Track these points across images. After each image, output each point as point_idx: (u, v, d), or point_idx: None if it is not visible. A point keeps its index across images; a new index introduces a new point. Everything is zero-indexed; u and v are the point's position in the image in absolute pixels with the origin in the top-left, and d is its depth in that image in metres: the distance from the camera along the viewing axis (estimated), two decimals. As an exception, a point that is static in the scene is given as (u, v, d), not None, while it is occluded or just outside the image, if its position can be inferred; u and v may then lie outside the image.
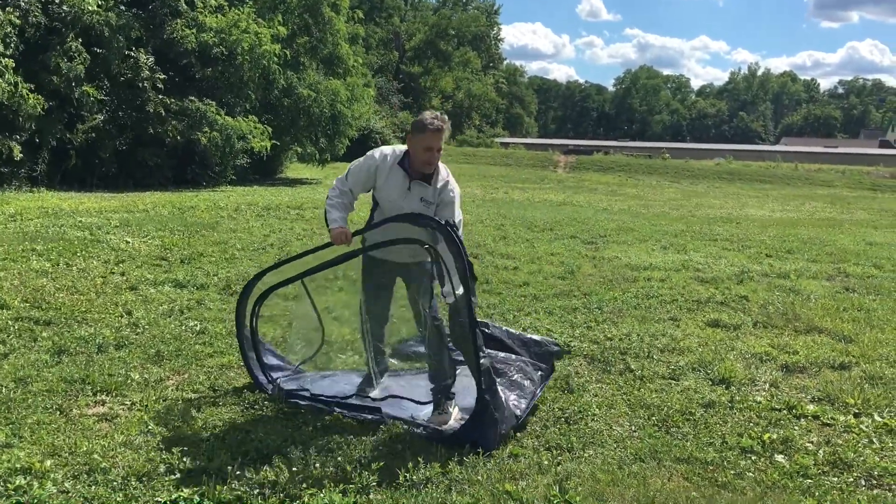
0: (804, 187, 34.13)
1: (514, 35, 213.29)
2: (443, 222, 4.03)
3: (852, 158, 53.99)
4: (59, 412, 4.08)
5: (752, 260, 10.08)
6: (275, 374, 4.64)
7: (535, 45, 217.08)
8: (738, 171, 39.07)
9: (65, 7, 16.51)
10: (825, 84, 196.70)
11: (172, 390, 4.48)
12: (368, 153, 4.35)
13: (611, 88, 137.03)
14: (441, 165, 4.26)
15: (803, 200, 25.94)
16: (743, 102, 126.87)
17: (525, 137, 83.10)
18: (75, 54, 16.52)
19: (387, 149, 4.34)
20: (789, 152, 56.87)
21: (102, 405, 4.23)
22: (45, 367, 4.71)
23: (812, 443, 4.06)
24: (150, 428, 3.90)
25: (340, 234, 4.18)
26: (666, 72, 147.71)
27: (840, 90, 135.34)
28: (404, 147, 4.28)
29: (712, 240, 12.07)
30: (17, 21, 15.20)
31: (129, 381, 4.55)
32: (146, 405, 4.22)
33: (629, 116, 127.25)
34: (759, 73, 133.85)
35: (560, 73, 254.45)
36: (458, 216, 4.29)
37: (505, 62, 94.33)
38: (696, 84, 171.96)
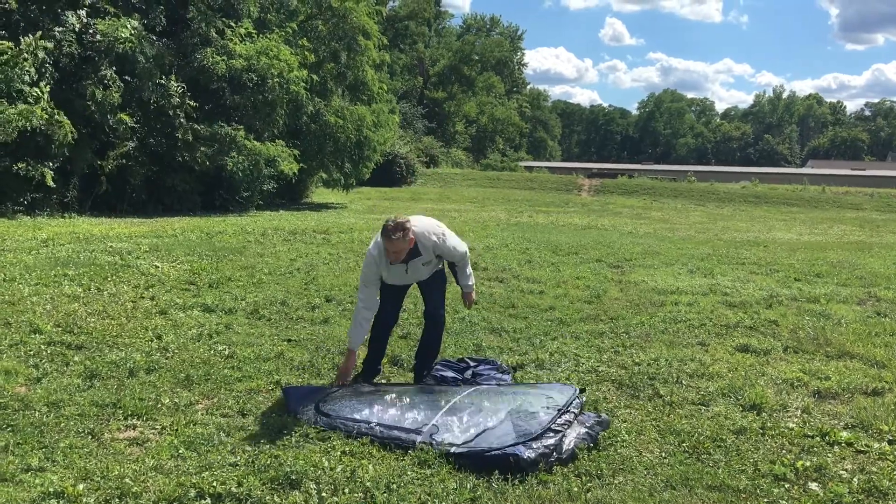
0: (832, 210, 33.79)
1: (538, 60, 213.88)
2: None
3: (881, 181, 53.44)
4: (90, 436, 4.12)
5: (781, 284, 9.98)
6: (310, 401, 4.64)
7: (558, 70, 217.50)
8: (765, 193, 38.77)
9: (98, 37, 16.84)
10: (851, 107, 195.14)
11: (202, 414, 4.51)
12: (367, 255, 5.12)
13: (634, 112, 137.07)
14: (420, 235, 5.00)
15: (831, 223, 25.66)
16: (768, 125, 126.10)
17: (549, 161, 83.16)
18: (110, 83, 16.85)
19: (374, 248, 5.07)
20: (816, 175, 56.33)
21: (133, 429, 4.27)
22: (77, 391, 4.77)
23: (846, 470, 3.99)
24: (180, 452, 3.92)
25: (347, 372, 5.15)
26: (690, 95, 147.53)
27: (867, 112, 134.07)
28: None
29: (740, 263, 11.97)
30: (51, 47, 15.52)
31: (159, 406, 4.59)
32: (176, 429, 4.25)
33: (653, 140, 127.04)
34: (785, 95, 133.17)
35: (583, 97, 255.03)
36: (461, 248, 5.29)
37: (528, 87, 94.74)
38: (720, 107, 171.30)
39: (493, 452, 3.92)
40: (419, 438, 4.13)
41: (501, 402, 4.53)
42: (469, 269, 5.45)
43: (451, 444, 4.04)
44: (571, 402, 4.41)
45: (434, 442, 4.08)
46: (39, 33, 15.34)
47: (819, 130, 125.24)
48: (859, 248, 15.77)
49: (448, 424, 4.27)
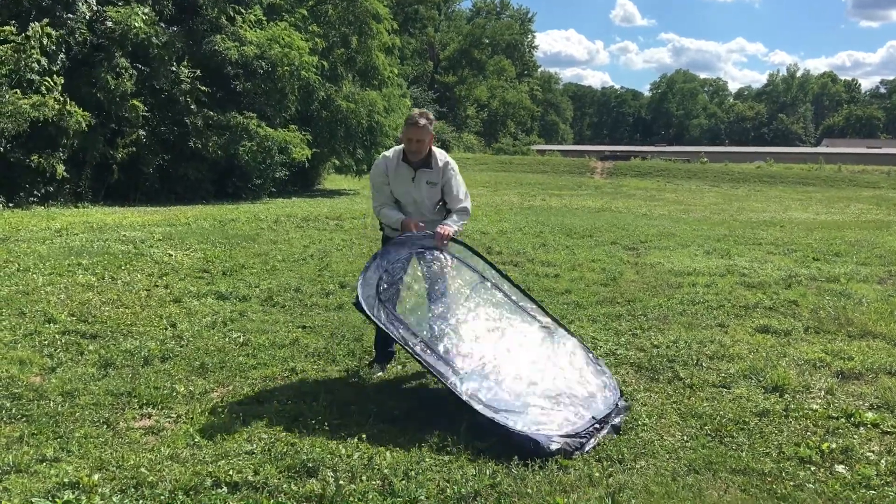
0: (848, 189, 33.46)
1: (548, 42, 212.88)
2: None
3: (897, 159, 52.85)
4: (105, 426, 4.09)
5: (799, 264, 9.85)
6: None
7: (569, 52, 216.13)
8: (780, 173, 38.44)
9: (109, 23, 16.79)
10: (866, 84, 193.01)
11: (217, 402, 4.47)
12: (371, 175, 5.15)
13: (647, 93, 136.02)
14: (437, 150, 5.00)
15: (848, 202, 25.40)
16: (782, 104, 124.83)
17: (561, 144, 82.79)
18: (123, 71, 16.82)
19: (388, 151, 5.09)
20: (831, 154, 55.82)
21: (149, 418, 4.24)
22: (91, 380, 4.74)
23: (873, 452, 3.91)
24: (196, 441, 3.89)
25: (410, 222, 4.89)
26: (703, 75, 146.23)
27: (882, 90, 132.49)
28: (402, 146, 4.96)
29: (756, 244, 11.84)
30: (56, 35, 15.46)
31: (174, 394, 4.56)
32: (192, 418, 4.22)
33: (666, 121, 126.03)
34: (799, 74, 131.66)
35: (595, 79, 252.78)
36: (463, 189, 5.18)
37: (539, 69, 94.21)
38: (733, 87, 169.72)
39: (518, 432, 3.89)
40: (451, 380, 4.20)
41: (552, 367, 4.51)
42: (462, 223, 5.13)
43: (478, 400, 4.08)
44: (612, 413, 4.25)
45: (461, 390, 4.13)
46: (46, 20, 15.29)
47: (834, 109, 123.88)
48: (877, 226, 15.59)
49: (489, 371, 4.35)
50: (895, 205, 24.44)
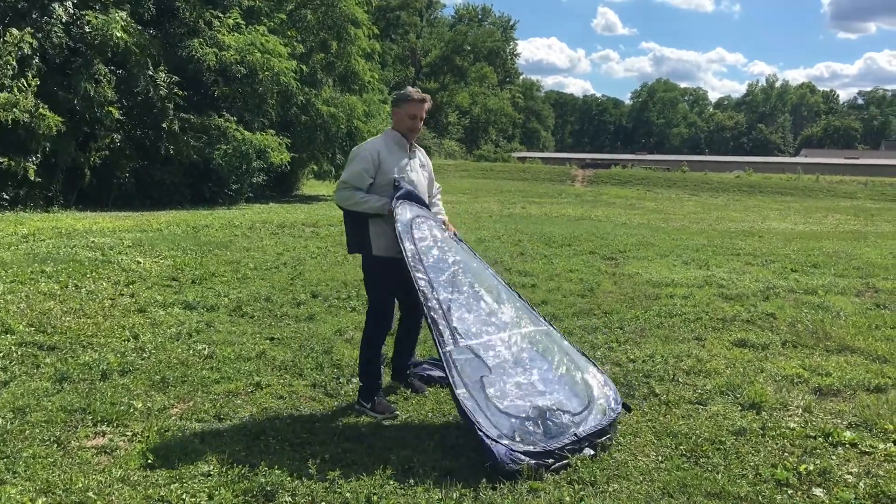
0: (826, 199, 33.66)
1: (530, 50, 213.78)
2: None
3: (874, 170, 53.36)
4: (56, 445, 3.90)
5: (777, 275, 9.79)
6: None
7: (551, 60, 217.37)
8: (759, 183, 38.63)
9: (87, 28, 16.48)
10: (844, 95, 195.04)
11: (176, 420, 4.29)
12: (357, 153, 4.64)
13: (628, 102, 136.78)
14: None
15: (826, 213, 25.53)
16: (761, 114, 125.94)
17: (542, 152, 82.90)
18: (101, 77, 16.53)
19: (370, 140, 4.76)
20: (810, 164, 56.24)
21: (102, 436, 4.05)
22: (45, 395, 4.55)
23: (851, 474, 3.80)
24: (150, 461, 3.71)
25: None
26: (683, 84, 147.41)
27: (860, 101, 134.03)
28: (386, 130, 4.81)
29: (735, 254, 11.79)
30: (35, 44, 15.18)
31: (131, 410, 4.37)
32: (147, 436, 4.03)
33: (647, 130, 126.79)
34: (778, 84, 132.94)
35: (576, 87, 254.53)
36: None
37: (521, 77, 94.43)
38: (713, 97, 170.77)
39: (480, 434, 3.74)
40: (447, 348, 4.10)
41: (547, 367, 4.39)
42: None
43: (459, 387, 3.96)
44: (600, 430, 4.06)
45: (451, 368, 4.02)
46: (28, 29, 15.03)
47: (812, 119, 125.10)
48: (855, 237, 15.61)
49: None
50: (872, 216, 24.59)
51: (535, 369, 4.30)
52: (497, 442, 3.71)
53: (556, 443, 3.83)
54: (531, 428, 3.89)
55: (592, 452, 3.90)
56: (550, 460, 3.75)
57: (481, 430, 3.75)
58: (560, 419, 3.99)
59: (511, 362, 4.26)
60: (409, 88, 4.75)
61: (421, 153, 4.92)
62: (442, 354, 4.06)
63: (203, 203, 19.33)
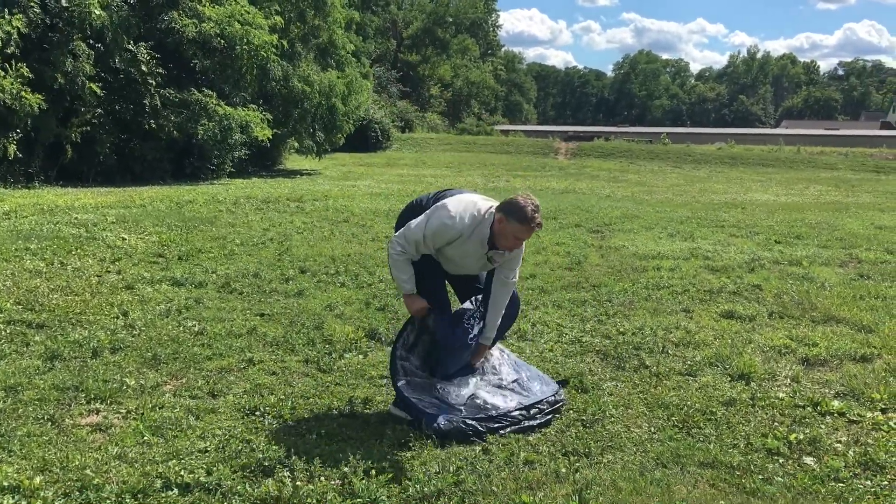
0: (807, 170, 33.84)
1: (511, 22, 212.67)
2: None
3: (854, 140, 53.65)
4: (50, 423, 3.89)
5: (762, 247, 9.87)
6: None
7: (532, 32, 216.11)
8: (740, 155, 38.75)
9: (63, 2, 16.17)
10: (825, 66, 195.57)
11: (170, 396, 4.29)
12: (443, 222, 3.96)
13: (610, 74, 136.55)
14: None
15: (807, 184, 25.68)
16: (743, 86, 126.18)
17: (525, 125, 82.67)
18: (80, 53, 16.26)
19: (472, 219, 3.98)
20: (791, 135, 56.42)
21: (96, 414, 4.05)
22: (36, 373, 4.53)
23: (841, 442, 3.87)
24: (145, 439, 3.71)
25: (421, 308, 4.15)
26: (664, 56, 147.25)
27: (840, 72, 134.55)
28: (489, 217, 3.98)
29: (719, 226, 11.86)
30: (20, 25, 14.90)
31: (124, 388, 4.36)
32: (142, 413, 4.03)
33: (629, 102, 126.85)
34: (759, 56, 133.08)
35: (557, 59, 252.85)
36: (517, 275, 4.30)
37: (503, 49, 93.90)
38: (694, 68, 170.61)
39: (412, 400, 3.96)
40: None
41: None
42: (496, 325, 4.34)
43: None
44: (537, 407, 4.10)
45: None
46: (18, 13, 14.78)
47: (793, 90, 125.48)
48: (836, 208, 15.74)
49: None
50: (853, 186, 24.77)
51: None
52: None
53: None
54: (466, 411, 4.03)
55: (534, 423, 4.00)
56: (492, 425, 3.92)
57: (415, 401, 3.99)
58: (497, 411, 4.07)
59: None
60: (529, 209, 3.86)
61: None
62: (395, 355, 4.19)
63: (185, 178, 19.14)
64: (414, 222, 4.05)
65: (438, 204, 4.06)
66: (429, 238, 3.99)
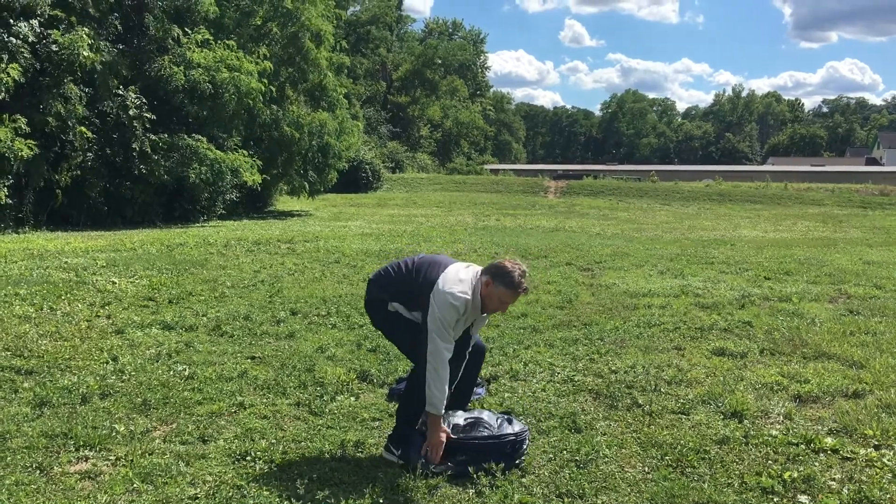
0: (795, 206, 34.15)
1: (499, 63, 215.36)
2: None
3: (840, 176, 54.27)
4: (39, 471, 3.84)
5: (752, 283, 9.92)
6: None
7: (520, 72, 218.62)
8: (728, 191, 39.12)
9: (53, 47, 16.33)
10: (809, 104, 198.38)
11: (159, 442, 4.25)
12: (450, 304, 3.93)
13: (597, 113, 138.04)
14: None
15: (795, 220, 25.90)
16: (729, 124, 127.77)
17: (514, 164, 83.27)
18: (71, 96, 16.37)
19: (466, 294, 3.98)
20: (777, 172, 57.09)
21: (85, 461, 4.00)
22: (25, 420, 4.48)
23: (835, 480, 3.85)
24: (135, 486, 3.67)
25: (439, 441, 3.97)
26: (651, 95, 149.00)
27: (824, 109, 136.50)
28: (476, 285, 4.03)
29: (708, 263, 11.92)
30: (16, 75, 15.03)
31: (113, 434, 4.32)
32: (131, 460, 3.98)
33: (617, 140, 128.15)
34: (744, 94, 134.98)
35: (545, 99, 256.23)
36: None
37: (492, 90, 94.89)
38: (681, 107, 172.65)
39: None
40: None
41: None
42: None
43: None
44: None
45: None
46: (15, 64, 14.94)
47: (778, 128, 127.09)
48: (825, 244, 15.86)
49: None
50: (840, 222, 24.99)
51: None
52: None
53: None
54: None
55: None
56: None
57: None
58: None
59: None
60: (517, 274, 3.97)
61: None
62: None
63: (175, 221, 19.18)
64: (431, 321, 3.94)
65: (434, 291, 3.99)
66: (450, 327, 3.95)
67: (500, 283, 3.95)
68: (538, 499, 3.60)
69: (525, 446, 4.07)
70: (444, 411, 4.00)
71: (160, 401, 4.89)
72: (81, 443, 4.18)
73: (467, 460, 3.92)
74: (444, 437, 4.00)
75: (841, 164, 78.31)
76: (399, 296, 4.18)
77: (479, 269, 4.15)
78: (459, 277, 4.06)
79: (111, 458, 4.04)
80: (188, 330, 6.80)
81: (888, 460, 4.08)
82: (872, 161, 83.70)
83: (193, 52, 19.47)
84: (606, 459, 4.08)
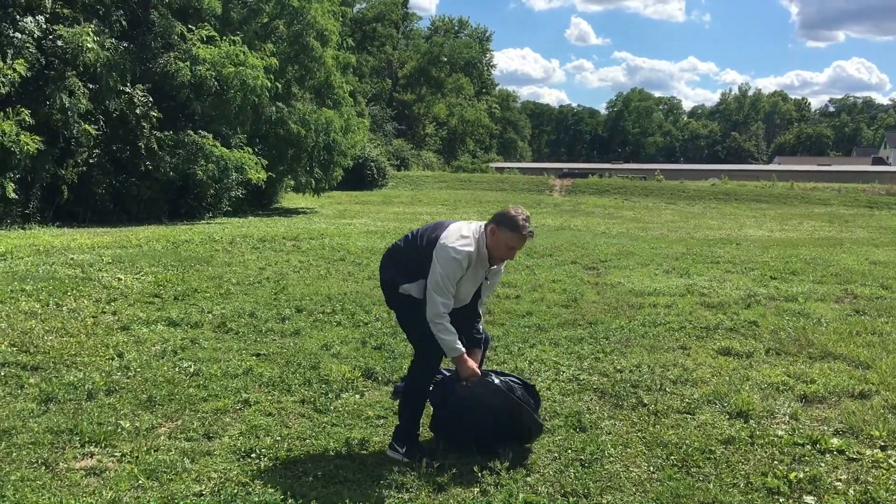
0: (801, 206, 34.05)
1: (505, 61, 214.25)
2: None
3: (847, 176, 54.06)
4: (44, 467, 3.85)
5: (757, 283, 9.89)
6: None
7: (526, 70, 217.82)
8: (734, 190, 39.02)
9: (59, 42, 16.37)
10: (816, 103, 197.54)
11: (165, 439, 4.25)
12: (452, 258, 3.96)
13: (603, 111, 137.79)
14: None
15: (801, 219, 25.82)
16: (735, 123, 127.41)
17: (519, 162, 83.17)
18: (75, 90, 16.41)
19: (468, 246, 4.01)
20: (783, 171, 56.87)
21: (91, 457, 4.01)
22: (30, 416, 4.49)
23: (841, 481, 3.84)
24: (140, 483, 3.67)
25: (474, 373, 4.12)
26: (657, 94, 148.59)
27: (831, 108, 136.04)
28: (480, 237, 4.07)
29: (714, 262, 11.89)
30: (22, 70, 15.08)
31: (119, 430, 4.33)
32: (137, 456, 3.99)
33: (622, 139, 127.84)
34: (750, 93, 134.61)
35: (551, 97, 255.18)
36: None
37: (497, 88, 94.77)
38: (687, 106, 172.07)
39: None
40: None
41: None
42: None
43: None
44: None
45: None
46: (21, 60, 14.98)
47: (785, 127, 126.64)
48: (831, 244, 15.80)
49: None
50: (846, 222, 24.91)
51: None
52: None
53: None
54: None
55: None
56: None
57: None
58: None
59: None
60: (521, 218, 4.01)
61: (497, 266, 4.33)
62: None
63: (181, 217, 19.21)
64: (431, 279, 4.00)
65: (437, 247, 4.03)
66: (451, 282, 4.00)
67: (505, 228, 4.01)
68: (543, 498, 3.60)
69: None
70: (463, 347, 4.10)
71: (165, 397, 4.90)
72: (87, 439, 4.19)
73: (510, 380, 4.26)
74: (473, 365, 4.12)
75: (847, 164, 78.05)
76: (409, 271, 4.15)
77: (482, 223, 4.19)
78: (462, 233, 4.10)
79: (116, 454, 4.05)
80: (193, 327, 6.81)
81: (894, 461, 4.06)
82: (879, 161, 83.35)
83: (199, 48, 19.48)
84: (611, 459, 4.07)
